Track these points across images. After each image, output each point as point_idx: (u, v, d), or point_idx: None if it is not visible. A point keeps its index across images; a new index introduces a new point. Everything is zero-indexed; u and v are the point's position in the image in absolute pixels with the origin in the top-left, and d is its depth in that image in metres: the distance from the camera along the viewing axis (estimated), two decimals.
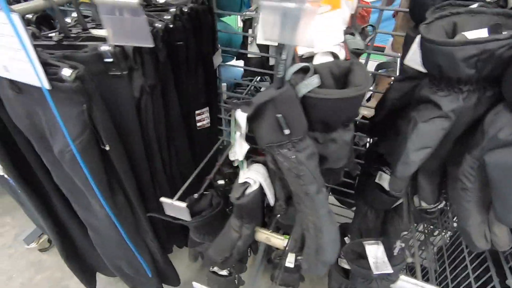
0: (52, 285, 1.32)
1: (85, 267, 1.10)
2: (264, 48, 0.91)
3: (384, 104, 0.52)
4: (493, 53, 0.31)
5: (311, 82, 0.35)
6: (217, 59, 0.92)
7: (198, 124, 0.95)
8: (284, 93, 0.34)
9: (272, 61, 0.92)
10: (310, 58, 0.41)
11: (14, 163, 0.75)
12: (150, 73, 0.63)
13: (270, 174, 0.44)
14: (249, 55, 0.95)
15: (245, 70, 1.00)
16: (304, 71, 0.38)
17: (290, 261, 0.90)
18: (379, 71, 1.08)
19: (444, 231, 0.84)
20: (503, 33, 0.32)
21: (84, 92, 0.52)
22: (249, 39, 0.91)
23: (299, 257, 0.92)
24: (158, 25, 0.64)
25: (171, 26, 0.67)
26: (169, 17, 0.69)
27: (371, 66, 0.93)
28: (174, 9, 0.71)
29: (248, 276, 1.21)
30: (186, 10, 0.74)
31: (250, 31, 0.91)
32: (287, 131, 0.35)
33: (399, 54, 0.75)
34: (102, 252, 0.93)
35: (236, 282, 0.99)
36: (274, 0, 0.30)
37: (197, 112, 0.92)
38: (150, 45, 0.49)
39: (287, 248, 0.46)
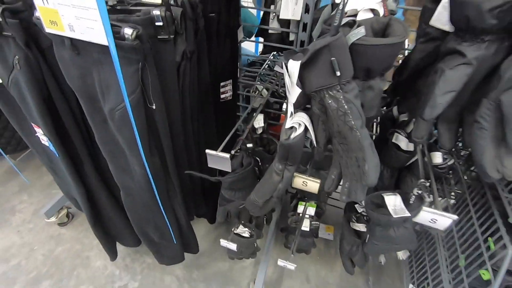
0: (73, 256, 1.38)
1: (109, 236, 1.16)
2: (285, 24, 0.97)
3: (408, 64, 0.59)
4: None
5: (359, 32, 0.42)
6: (240, 34, 0.98)
7: (222, 96, 1.01)
8: (339, 39, 0.41)
9: (292, 37, 0.98)
10: (353, 15, 0.47)
11: (56, 129, 0.81)
12: (191, 39, 0.69)
13: (313, 120, 0.51)
14: (270, 31, 1.01)
15: (264, 46, 1.06)
16: (350, 25, 0.44)
17: (306, 225, 0.98)
18: None
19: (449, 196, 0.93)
20: None
21: (141, 51, 0.57)
22: (271, 15, 0.97)
23: (313, 223, 1.00)
24: None
25: None
26: None
27: None
28: None
29: (263, 243, 1.30)
30: None
31: (272, 7, 0.97)
32: (338, 73, 0.42)
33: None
34: (132, 215, 0.99)
35: (255, 245, 1.07)
36: None
37: (222, 83, 0.98)
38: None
39: (324, 186, 0.54)
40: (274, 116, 1.27)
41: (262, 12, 1.04)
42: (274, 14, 0.97)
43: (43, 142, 0.91)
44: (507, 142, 0.44)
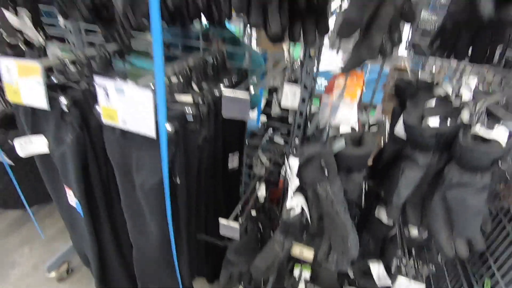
0: None
1: None
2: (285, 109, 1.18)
3: (381, 159, 0.76)
4: (443, 133, 0.56)
5: (341, 144, 0.59)
6: (252, 114, 1.19)
7: (230, 165, 1.17)
8: (327, 149, 0.58)
9: (290, 119, 1.18)
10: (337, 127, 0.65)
11: (86, 193, 0.94)
12: (211, 128, 0.87)
13: (308, 202, 0.66)
14: (272, 114, 1.22)
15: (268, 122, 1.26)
16: (335, 137, 0.62)
17: None
18: (371, 128, 1.36)
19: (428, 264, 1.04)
20: (448, 120, 0.58)
21: (175, 141, 0.74)
22: (274, 101, 1.19)
23: (308, 285, 1.08)
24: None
25: None
26: (223, 86, 0.95)
27: None
28: (227, 81, 0.98)
29: None
30: (234, 80, 1.02)
31: (274, 94, 1.19)
32: (326, 173, 0.58)
33: (387, 117, 1.04)
34: (139, 271, 1.06)
35: None
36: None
37: (230, 154, 1.14)
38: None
39: (317, 258, 0.65)
40: (274, 182, 1.42)
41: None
42: (276, 101, 1.19)
43: (70, 202, 1.03)
44: (455, 229, 0.59)
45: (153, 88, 0.66)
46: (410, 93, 0.84)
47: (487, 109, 0.61)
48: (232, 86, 1.01)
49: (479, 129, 0.54)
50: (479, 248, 0.62)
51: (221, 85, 0.94)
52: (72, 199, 1.00)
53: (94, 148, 0.90)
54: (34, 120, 0.89)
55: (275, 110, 1.20)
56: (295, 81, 1.13)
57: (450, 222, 0.62)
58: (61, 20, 1.25)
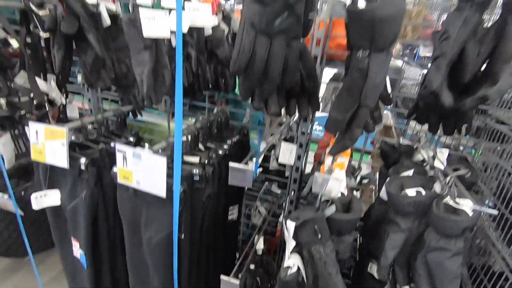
0: None
1: None
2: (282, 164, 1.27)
3: (369, 218, 0.84)
4: (420, 202, 0.65)
5: (331, 209, 0.67)
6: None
7: (229, 217, 1.23)
8: (320, 215, 0.65)
9: (287, 173, 1.27)
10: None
11: (93, 246, 0.99)
12: (215, 185, 0.95)
13: (304, 261, 0.72)
14: (270, 168, 1.31)
15: (266, 175, 1.35)
16: (327, 201, 0.70)
17: None
18: (363, 180, 1.45)
19: None
20: (423, 192, 0.67)
21: (182, 200, 0.82)
22: (272, 156, 1.29)
23: None
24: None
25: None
26: (226, 146, 1.05)
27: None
28: (230, 141, 1.08)
29: None
30: (235, 140, 1.13)
31: (273, 151, 1.29)
32: (319, 236, 0.65)
33: (377, 173, 1.13)
34: None
35: None
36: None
37: (230, 207, 1.21)
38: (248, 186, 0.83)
39: None
40: (271, 232, 1.46)
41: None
42: (274, 156, 1.28)
43: (75, 254, 1.06)
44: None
45: (166, 153, 0.75)
46: (393, 157, 0.95)
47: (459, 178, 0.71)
48: (235, 144, 1.12)
49: (449, 201, 0.62)
50: None
51: (225, 145, 1.05)
52: (77, 251, 1.04)
53: (106, 204, 0.97)
54: (52, 176, 0.97)
55: (273, 164, 1.29)
56: (291, 139, 1.24)
57: (432, 283, 0.68)
58: (79, 78, 1.39)
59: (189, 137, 0.96)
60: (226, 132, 1.22)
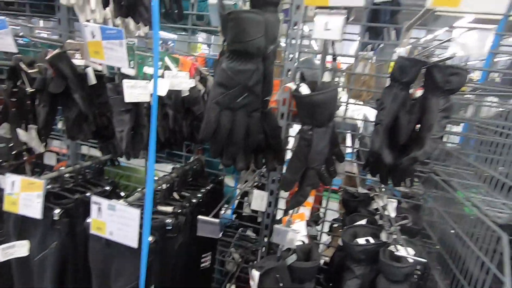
0: None
1: None
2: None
3: (332, 263, 0.90)
4: (369, 250, 0.73)
5: (292, 258, 0.73)
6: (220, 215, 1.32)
7: (202, 265, 1.24)
8: (281, 264, 0.71)
9: (259, 219, 1.33)
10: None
11: None
12: (187, 234, 0.99)
13: None
14: (243, 214, 1.36)
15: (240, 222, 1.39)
16: (288, 249, 0.77)
17: None
18: (333, 225, 1.52)
19: None
20: (372, 240, 0.75)
21: (153, 250, 0.85)
22: (245, 203, 1.35)
23: None
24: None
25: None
26: (200, 195, 1.11)
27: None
28: (204, 190, 1.14)
29: None
30: (209, 187, 1.19)
31: (246, 198, 1.36)
32: (281, 284, 0.70)
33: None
34: None
35: None
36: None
37: (203, 255, 1.23)
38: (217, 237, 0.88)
39: None
40: (244, 279, 1.46)
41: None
42: (247, 203, 1.35)
43: None
44: None
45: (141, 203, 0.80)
46: (352, 205, 1.04)
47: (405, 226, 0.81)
48: (208, 192, 1.17)
49: (392, 249, 0.71)
50: None
51: (199, 194, 1.11)
52: None
53: (76, 255, 0.97)
54: (23, 227, 0.97)
55: (246, 210, 1.35)
56: (263, 186, 1.32)
57: None
58: (60, 125, 1.44)
59: (164, 186, 1.01)
60: (201, 180, 1.28)
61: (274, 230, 0.72)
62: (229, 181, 1.66)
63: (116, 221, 0.83)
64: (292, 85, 0.59)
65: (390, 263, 0.69)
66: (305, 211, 0.85)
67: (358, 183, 1.43)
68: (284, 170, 1.14)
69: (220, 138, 0.62)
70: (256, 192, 1.23)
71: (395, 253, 0.70)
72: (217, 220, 0.77)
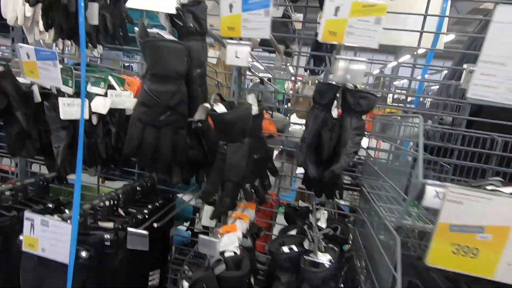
0: None
1: None
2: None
3: (269, 273, 0.94)
4: (292, 257, 0.78)
5: (221, 268, 0.77)
6: (172, 232, 1.33)
7: (150, 282, 1.22)
8: (208, 274, 0.74)
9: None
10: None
11: None
12: (126, 250, 1.00)
13: None
14: (195, 230, 1.38)
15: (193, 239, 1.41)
16: (219, 260, 0.80)
17: None
18: None
19: None
20: (295, 249, 0.81)
21: (88, 266, 0.85)
22: (196, 220, 1.37)
23: None
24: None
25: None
26: (146, 211, 1.12)
27: None
28: (151, 206, 1.16)
29: None
30: (158, 204, 1.20)
31: (197, 214, 1.38)
32: None
33: None
34: None
35: None
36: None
37: (150, 273, 1.22)
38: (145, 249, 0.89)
39: None
40: None
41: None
42: (198, 218, 1.37)
43: None
44: None
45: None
46: (293, 218, 1.10)
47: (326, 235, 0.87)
48: (156, 208, 1.19)
49: (311, 256, 0.77)
50: None
51: (145, 210, 1.12)
52: None
53: (9, 273, 0.94)
54: None
55: (197, 227, 1.37)
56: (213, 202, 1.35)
57: None
58: None
59: (107, 203, 1.02)
60: (152, 196, 1.29)
61: (199, 241, 0.75)
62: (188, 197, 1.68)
63: (49, 237, 0.83)
64: (207, 105, 0.66)
65: (307, 268, 0.74)
66: (240, 223, 0.90)
67: (306, 198, 1.51)
68: None
69: (145, 153, 0.67)
70: (206, 207, 1.26)
71: (311, 259, 0.75)
72: (145, 232, 0.79)
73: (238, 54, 0.65)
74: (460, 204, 0.55)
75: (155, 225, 0.94)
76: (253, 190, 0.92)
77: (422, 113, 1.22)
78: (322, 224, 0.98)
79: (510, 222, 0.54)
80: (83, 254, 0.83)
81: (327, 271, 0.74)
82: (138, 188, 1.23)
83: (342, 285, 0.90)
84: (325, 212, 1.00)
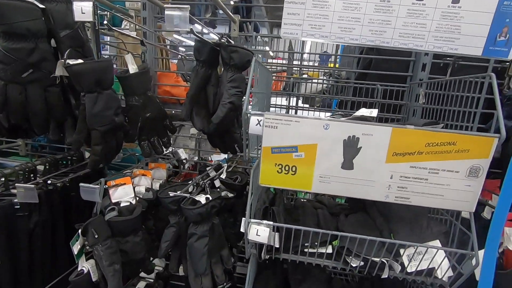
0: None
1: None
2: None
3: None
4: (177, 200, 0.87)
5: (111, 214, 0.85)
6: None
7: None
8: (96, 218, 0.82)
9: None
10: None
11: None
12: (44, 214, 1.06)
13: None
14: None
15: None
16: (112, 208, 0.88)
17: None
18: None
19: None
20: (179, 193, 0.89)
21: None
22: None
23: None
24: None
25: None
26: (67, 179, 1.18)
27: None
28: (73, 175, 1.22)
29: None
30: (82, 173, 1.26)
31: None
32: (96, 236, 0.81)
33: None
34: None
35: None
36: None
37: None
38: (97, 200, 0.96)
39: None
40: None
41: None
42: None
43: None
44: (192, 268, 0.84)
45: None
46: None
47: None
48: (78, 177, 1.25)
49: (194, 197, 0.86)
50: (219, 281, 0.87)
51: (66, 178, 1.18)
52: None
53: None
54: None
55: None
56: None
57: (191, 263, 0.87)
58: None
59: (20, 172, 1.08)
60: (78, 169, 1.35)
61: (80, 188, 0.83)
62: None
63: None
64: (63, 61, 0.71)
65: (185, 207, 0.83)
66: (144, 179, 0.99)
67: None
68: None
69: (14, 109, 0.72)
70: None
71: (190, 200, 0.84)
72: (31, 186, 0.86)
73: (84, 10, 0.70)
74: (275, 128, 0.64)
75: (49, 181, 1.01)
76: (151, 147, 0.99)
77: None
78: (224, 175, 1.07)
79: (316, 140, 0.63)
80: None
81: (202, 207, 0.84)
82: (61, 161, 1.28)
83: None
84: (225, 165, 1.10)
